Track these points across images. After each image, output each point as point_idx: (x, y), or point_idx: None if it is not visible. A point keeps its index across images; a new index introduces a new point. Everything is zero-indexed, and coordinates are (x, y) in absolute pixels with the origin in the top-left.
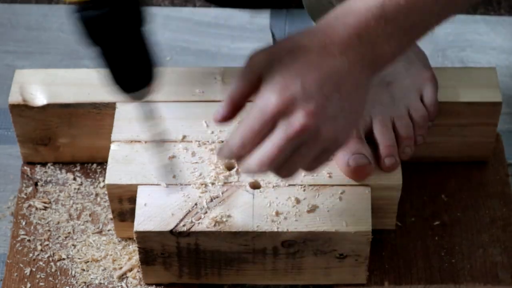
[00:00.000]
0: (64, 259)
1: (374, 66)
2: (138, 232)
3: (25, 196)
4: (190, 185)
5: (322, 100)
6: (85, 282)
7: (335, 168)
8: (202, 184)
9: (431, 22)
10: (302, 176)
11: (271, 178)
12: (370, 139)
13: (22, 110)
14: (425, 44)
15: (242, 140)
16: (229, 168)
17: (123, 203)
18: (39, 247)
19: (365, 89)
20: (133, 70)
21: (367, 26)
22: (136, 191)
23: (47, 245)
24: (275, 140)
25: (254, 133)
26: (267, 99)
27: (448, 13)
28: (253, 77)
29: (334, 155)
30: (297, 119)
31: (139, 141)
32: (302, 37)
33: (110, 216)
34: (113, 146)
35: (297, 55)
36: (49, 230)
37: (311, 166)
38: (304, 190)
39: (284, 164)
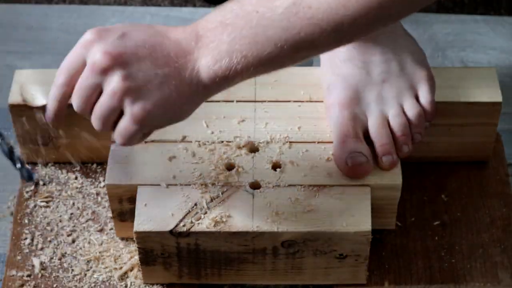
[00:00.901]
0: (65, 258)
1: (196, 72)
2: (138, 233)
3: (25, 196)
4: (190, 185)
5: (131, 56)
6: (86, 281)
7: (335, 168)
8: (202, 184)
9: (266, 49)
10: (302, 176)
11: (271, 178)
12: (368, 138)
13: (22, 110)
14: (425, 44)
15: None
16: (229, 168)
17: (123, 203)
18: (39, 247)
19: (179, 91)
20: None
21: (203, 30)
22: (136, 191)
23: (48, 244)
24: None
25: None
26: (87, 33)
27: (291, 49)
28: None
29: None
30: (99, 51)
31: None
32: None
33: (111, 215)
34: (113, 146)
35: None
36: (50, 230)
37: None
38: (304, 190)
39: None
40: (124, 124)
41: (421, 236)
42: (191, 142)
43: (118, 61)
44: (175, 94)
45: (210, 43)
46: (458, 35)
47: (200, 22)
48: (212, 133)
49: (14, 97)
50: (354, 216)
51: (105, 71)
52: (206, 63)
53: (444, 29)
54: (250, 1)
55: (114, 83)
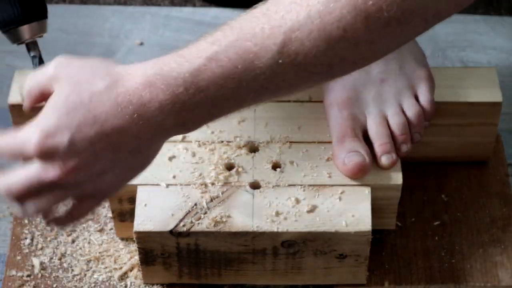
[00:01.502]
0: (65, 258)
1: (169, 134)
2: (137, 233)
3: None
4: (190, 185)
5: (89, 157)
6: (86, 281)
7: (335, 168)
8: (202, 184)
9: (245, 99)
10: (302, 176)
11: (271, 178)
12: (368, 137)
13: (22, 110)
14: (425, 44)
15: None
16: (229, 168)
17: (123, 203)
18: (39, 246)
19: (150, 153)
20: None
21: (173, 97)
22: (136, 191)
23: (48, 244)
24: (25, 175)
25: (9, 156)
26: (30, 136)
27: (268, 94)
28: (38, 92)
29: (97, 205)
30: (53, 171)
31: None
32: (107, 85)
33: (111, 215)
34: None
35: (87, 101)
36: (50, 230)
37: (73, 214)
38: (304, 190)
39: (37, 204)
40: (83, 209)
41: (421, 236)
42: (191, 142)
43: (77, 176)
44: (140, 162)
45: (183, 110)
46: (458, 35)
47: (164, 83)
48: (212, 133)
49: (14, 97)
50: (354, 216)
51: (64, 188)
52: (180, 126)
53: (444, 29)
54: (227, 55)
55: (81, 191)
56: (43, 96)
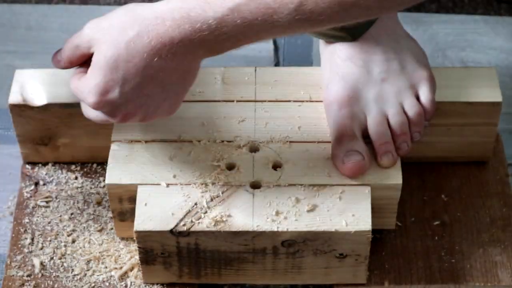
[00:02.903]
0: (65, 258)
1: (201, 57)
2: (138, 232)
3: (25, 196)
4: (190, 184)
5: (141, 100)
6: (86, 281)
7: (335, 168)
8: (202, 184)
9: (267, 37)
10: (302, 176)
11: (271, 178)
12: (368, 136)
13: (22, 110)
14: (425, 44)
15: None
16: (230, 167)
17: (123, 203)
18: (39, 246)
19: (192, 74)
20: None
21: (200, 36)
22: (136, 191)
23: (48, 244)
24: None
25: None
26: (86, 96)
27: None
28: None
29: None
30: (113, 119)
31: (139, 141)
32: (138, 33)
33: (111, 215)
34: (113, 146)
35: (124, 53)
36: (50, 230)
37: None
38: (304, 190)
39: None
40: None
41: (421, 236)
42: (191, 141)
43: (134, 115)
44: (182, 89)
45: (210, 44)
46: (458, 35)
47: (191, 27)
48: (213, 132)
49: (14, 97)
50: (354, 216)
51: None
52: (208, 53)
53: (444, 29)
54: (249, 8)
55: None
56: (83, 57)
